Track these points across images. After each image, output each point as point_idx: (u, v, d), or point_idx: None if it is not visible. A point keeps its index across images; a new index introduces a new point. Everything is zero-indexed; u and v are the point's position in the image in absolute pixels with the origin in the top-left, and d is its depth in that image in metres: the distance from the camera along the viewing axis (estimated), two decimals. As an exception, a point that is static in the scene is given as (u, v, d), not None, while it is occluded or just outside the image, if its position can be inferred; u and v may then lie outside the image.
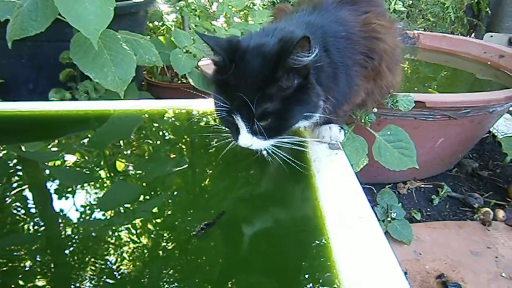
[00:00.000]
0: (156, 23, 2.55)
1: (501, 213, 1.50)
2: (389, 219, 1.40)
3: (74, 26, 1.18)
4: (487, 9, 2.99)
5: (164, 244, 0.75)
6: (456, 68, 2.22)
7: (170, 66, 1.92)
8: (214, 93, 0.85)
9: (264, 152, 0.90)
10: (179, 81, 2.38)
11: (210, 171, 1.02)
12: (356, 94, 1.01)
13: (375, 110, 1.22)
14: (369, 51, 0.96)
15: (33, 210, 0.85)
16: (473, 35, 3.14)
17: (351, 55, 0.94)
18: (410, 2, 2.89)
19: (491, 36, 2.13)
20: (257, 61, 0.79)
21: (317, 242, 0.70)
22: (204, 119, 1.21)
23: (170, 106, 1.29)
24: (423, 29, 2.79)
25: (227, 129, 0.90)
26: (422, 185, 1.70)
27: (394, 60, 1.07)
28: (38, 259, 0.71)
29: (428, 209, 1.58)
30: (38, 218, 0.83)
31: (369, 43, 0.96)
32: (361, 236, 0.69)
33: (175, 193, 0.93)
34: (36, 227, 0.80)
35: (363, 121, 1.21)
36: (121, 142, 1.18)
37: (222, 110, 0.82)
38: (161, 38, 2.02)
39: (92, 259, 0.70)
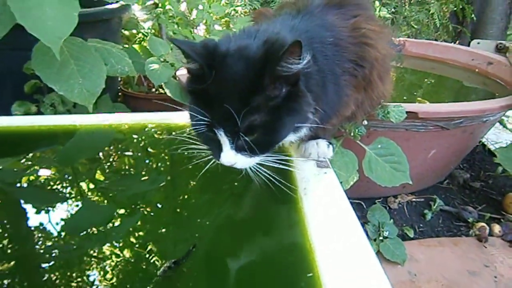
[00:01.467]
0: (133, 31, 2.43)
1: (497, 228, 1.43)
2: (381, 238, 1.31)
3: (32, 33, 1.04)
4: (472, 15, 2.97)
5: (140, 274, 0.69)
6: (442, 76, 2.17)
7: (147, 76, 1.80)
8: (191, 105, 0.74)
9: (251, 173, 0.80)
10: (157, 92, 2.26)
11: (187, 194, 0.93)
12: (346, 106, 0.92)
13: (365, 122, 1.13)
14: (359, 58, 0.87)
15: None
16: (457, 42, 3.12)
17: (340, 63, 0.85)
18: (394, 9, 2.85)
19: (478, 43, 2.09)
20: (240, 67, 0.69)
21: (305, 269, 0.64)
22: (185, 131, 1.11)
23: (142, 120, 1.17)
24: (407, 36, 2.75)
25: (206, 146, 0.79)
26: (414, 199, 1.62)
27: (385, 68, 0.99)
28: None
29: (421, 225, 1.50)
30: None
31: (359, 50, 0.87)
32: (352, 261, 0.63)
33: (151, 214, 0.86)
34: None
35: (352, 134, 1.12)
36: (88, 160, 1.09)
37: (201, 125, 0.71)
38: (136, 46, 1.90)
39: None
